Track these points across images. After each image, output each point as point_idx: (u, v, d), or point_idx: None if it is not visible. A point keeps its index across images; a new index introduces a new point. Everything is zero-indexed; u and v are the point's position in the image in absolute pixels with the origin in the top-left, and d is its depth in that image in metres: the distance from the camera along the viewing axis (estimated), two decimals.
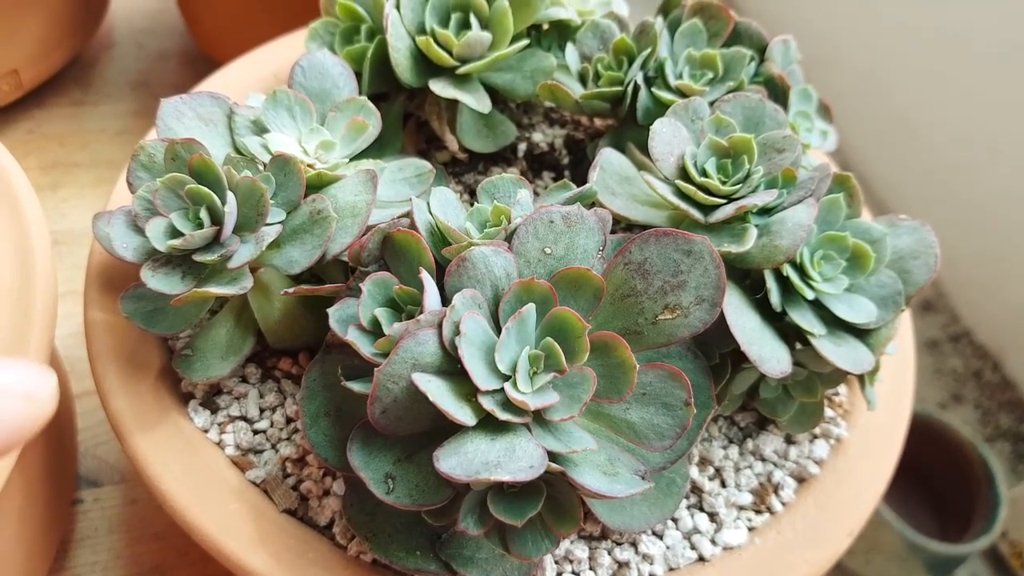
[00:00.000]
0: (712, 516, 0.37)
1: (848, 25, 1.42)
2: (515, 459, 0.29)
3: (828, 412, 0.41)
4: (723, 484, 0.38)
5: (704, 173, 0.36)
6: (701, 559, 0.36)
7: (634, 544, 0.36)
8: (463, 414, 0.29)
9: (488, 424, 0.30)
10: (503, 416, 0.30)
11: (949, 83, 1.24)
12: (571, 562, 0.35)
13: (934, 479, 1.17)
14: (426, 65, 0.43)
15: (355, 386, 0.31)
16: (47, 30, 0.68)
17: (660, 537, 0.36)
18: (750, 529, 0.37)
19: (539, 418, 0.31)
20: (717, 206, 0.35)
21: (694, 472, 0.38)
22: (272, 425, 0.38)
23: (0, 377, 0.23)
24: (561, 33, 0.47)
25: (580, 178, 0.48)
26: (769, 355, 0.34)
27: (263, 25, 0.67)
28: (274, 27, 0.60)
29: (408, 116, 0.49)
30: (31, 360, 0.36)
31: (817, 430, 0.41)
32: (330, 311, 0.33)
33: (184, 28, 0.79)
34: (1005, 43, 1.12)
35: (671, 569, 0.36)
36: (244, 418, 0.38)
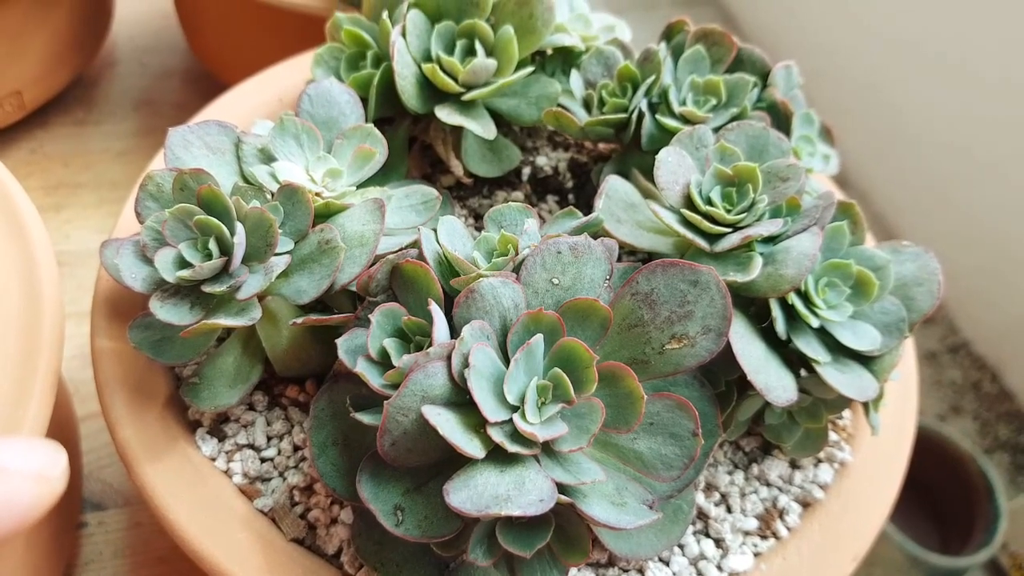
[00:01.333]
0: (718, 542, 0.37)
1: (849, 41, 1.42)
2: (525, 492, 0.29)
3: (832, 436, 0.42)
4: (729, 510, 0.39)
5: (709, 202, 0.36)
6: None
7: (641, 571, 0.36)
8: (472, 447, 0.29)
9: (497, 456, 0.30)
10: (512, 448, 0.30)
11: (949, 98, 1.24)
12: None
13: (934, 492, 1.17)
14: (432, 91, 0.44)
15: (364, 418, 0.31)
16: (50, 50, 0.68)
17: (667, 564, 0.36)
18: (756, 555, 0.37)
19: (548, 449, 0.31)
20: (723, 235, 0.36)
21: (700, 498, 0.38)
22: (279, 453, 0.38)
23: (11, 458, 0.23)
24: (565, 59, 0.48)
25: (584, 201, 0.48)
26: (775, 383, 0.34)
27: (264, 43, 0.68)
28: (275, 45, 0.60)
29: (413, 140, 0.49)
30: (39, 389, 0.36)
31: (821, 454, 0.41)
32: (339, 341, 0.33)
33: (187, 46, 0.80)
34: (1005, 58, 1.13)
35: None
36: (251, 446, 0.38)
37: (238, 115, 0.50)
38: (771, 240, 0.37)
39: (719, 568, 0.37)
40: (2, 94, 0.66)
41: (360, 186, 0.41)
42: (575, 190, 0.49)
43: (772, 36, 1.59)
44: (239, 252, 0.34)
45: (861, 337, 0.36)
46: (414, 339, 0.33)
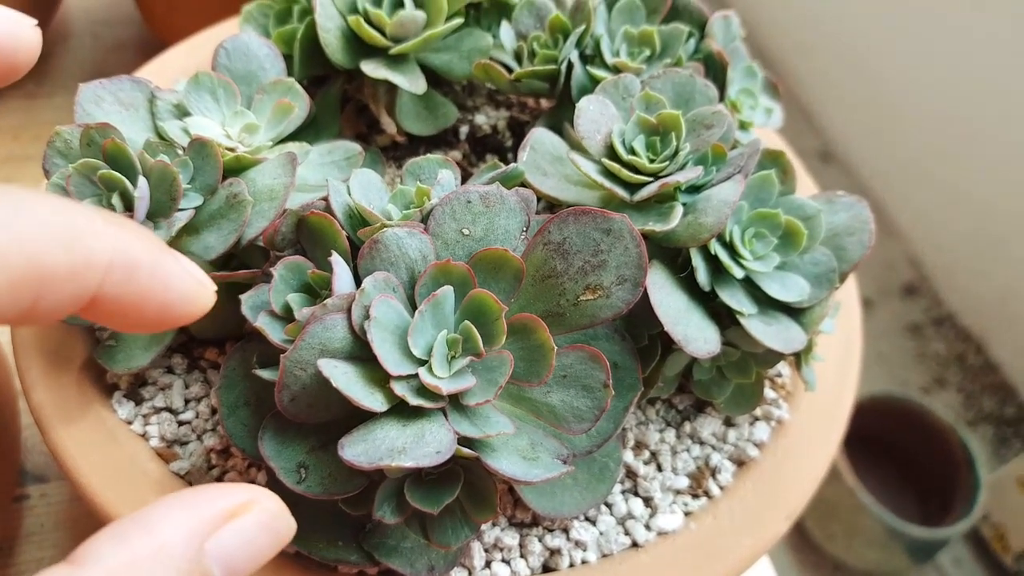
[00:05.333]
0: (647, 501, 0.37)
1: (835, 15, 1.41)
2: (423, 444, 0.28)
3: (771, 395, 0.41)
4: (659, 468, 0.38)
5: (632, 151, 0.35)
6: (635, 545, 0.35)
7: (565, 530, 0.35)
8: (372, 400, 0.28)
9: (401, 410, 0.29)
10: (415, 401, 0.29)
11: (936, 70, 1.23)
12: (501, 550, 0.35)
13: (915, 464, 1.16)
14: (359, 46, 0.43)
15: (265, 374, 0.31)
16: None
17: (593, 523, 0.36)
18: (686, 514, 0.37)
19: (456, 403, 0.30)
20: (643, 184, 0.34)
21: (629, 456, 0.37)
22: (197, 416, 0.37)
23: None
24: (502, 12, 0.46)
25: None
26: (695, 335, 0.33)
27: (217, 13, 0.66)
28: (228, 15, 0.59)
29: (348, 100, 0.48)
30: None
31: (758, 412, 0.40)
32: (243, 297, 0.32)
33: (140, 18, 0.78)
34: (992, 31, 1.11)
35: (604, 555, 0.35)
36: (169, 409, 0.37)
37: (172, 76, 0.49)
38: (696, 189, 0.35)
39: (647, 527, 0.36)
40: None
41: (282, 142, 0.39)
42: (515, 149, 0.48)
43: (757, 10, 1.57)
44: (142, 207, 0.33)
45: (789, 288, 0.35)
46: (321, 293, 0.32)
